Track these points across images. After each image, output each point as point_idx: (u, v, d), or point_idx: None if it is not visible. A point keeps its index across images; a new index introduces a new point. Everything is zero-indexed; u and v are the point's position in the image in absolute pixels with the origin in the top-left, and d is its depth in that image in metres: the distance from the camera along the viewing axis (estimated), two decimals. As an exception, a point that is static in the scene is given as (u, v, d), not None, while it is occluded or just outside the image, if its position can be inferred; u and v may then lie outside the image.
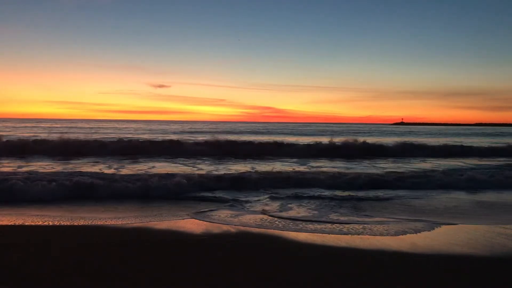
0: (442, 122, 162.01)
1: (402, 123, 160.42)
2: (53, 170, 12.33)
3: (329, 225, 6.52)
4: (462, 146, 23.96)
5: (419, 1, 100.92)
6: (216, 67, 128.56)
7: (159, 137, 33.58)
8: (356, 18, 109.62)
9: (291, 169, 13.62)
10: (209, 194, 9.10)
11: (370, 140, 26.71)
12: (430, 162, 17.87)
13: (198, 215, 7.13)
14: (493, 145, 26.37)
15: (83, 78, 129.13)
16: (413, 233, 6.08)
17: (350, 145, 21.57)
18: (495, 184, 11.13)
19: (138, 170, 12.99)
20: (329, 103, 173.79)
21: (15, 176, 9.26)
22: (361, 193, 9.56)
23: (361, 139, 24.33)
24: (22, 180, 8.81)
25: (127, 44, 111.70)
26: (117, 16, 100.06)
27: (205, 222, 6.66)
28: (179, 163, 15.58)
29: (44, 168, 13.01)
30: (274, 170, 13.04)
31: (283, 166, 15.03)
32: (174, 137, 32.83)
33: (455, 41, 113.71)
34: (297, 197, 8.97)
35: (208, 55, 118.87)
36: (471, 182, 11.12)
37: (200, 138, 30.77)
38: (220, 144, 20.57)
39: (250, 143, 22.17)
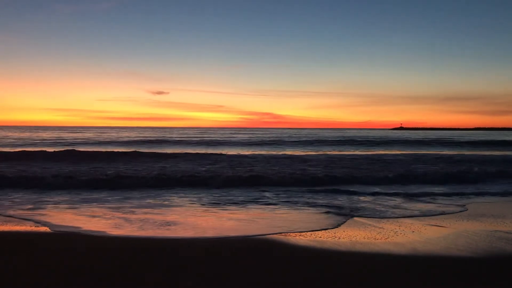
0: (442, 127, 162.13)
1: (401, 128, 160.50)
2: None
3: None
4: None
5: (417, 6, 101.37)
6: (214, 73, 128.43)
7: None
8: (354, 24, 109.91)
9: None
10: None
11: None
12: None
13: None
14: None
15: (82, 85, 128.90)
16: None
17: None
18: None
19: None
20: (328, 109, 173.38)
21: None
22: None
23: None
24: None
25: (125, 51, 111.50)
26: (115, 23, 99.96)
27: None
28: None
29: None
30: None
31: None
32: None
33: (454, 45, 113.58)
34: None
35: (206, 62, 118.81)
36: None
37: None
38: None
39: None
